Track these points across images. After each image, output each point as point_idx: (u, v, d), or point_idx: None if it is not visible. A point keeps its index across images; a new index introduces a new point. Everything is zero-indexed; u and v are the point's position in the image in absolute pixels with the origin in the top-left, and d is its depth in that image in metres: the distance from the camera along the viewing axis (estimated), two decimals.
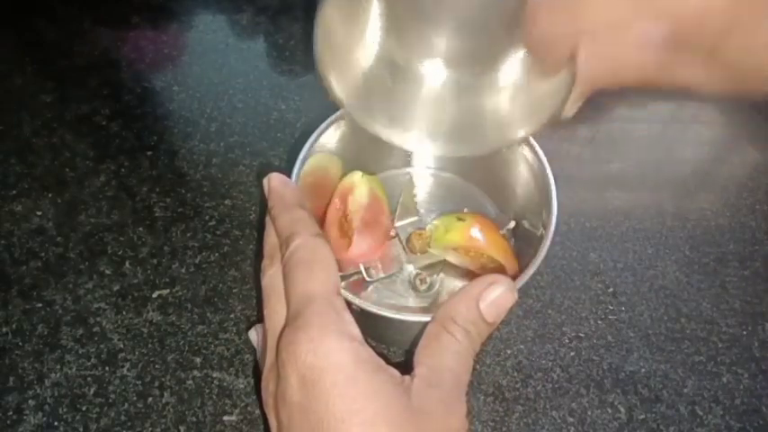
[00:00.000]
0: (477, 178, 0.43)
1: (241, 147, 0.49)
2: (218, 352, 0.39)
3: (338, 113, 0.35)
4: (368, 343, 0.24)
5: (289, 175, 0.32)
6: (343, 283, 0.35)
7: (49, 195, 0.46)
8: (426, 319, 0.26)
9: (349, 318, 0.24)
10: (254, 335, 0.31)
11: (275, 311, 0.26)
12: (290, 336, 0.23)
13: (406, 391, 0.23)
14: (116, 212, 0.45)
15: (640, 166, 0.50)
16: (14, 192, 0.46)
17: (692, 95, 0.54)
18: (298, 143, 0.35)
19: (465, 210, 0.40)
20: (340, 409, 0.21)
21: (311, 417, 0.22)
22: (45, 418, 0.36)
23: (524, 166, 0.36)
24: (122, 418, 0.36)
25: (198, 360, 0.39)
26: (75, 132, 0.50)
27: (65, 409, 0.37)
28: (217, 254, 0.43)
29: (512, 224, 0.39)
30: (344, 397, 0.21)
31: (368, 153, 0.41)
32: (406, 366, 0.24)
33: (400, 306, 0.38)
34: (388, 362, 0.23)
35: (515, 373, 0.39)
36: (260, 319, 0.28)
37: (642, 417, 0.38)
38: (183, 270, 0.42)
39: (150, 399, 0.37)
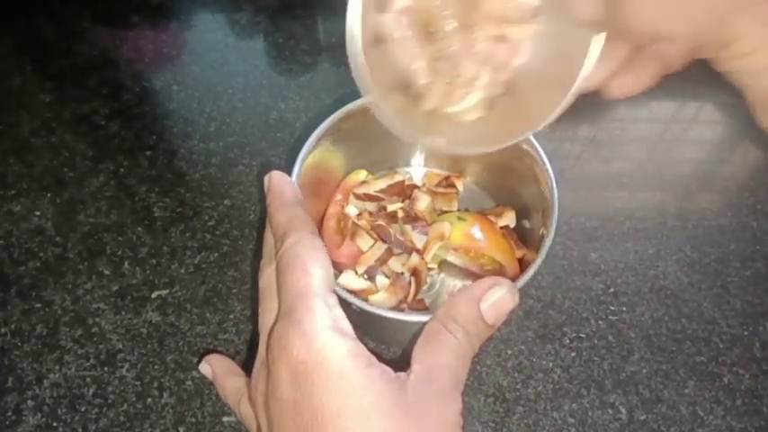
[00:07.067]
0: (478, 178, 0.42)
1: (240, 146, 0.49)
2: (217, 352, 0.39)
3: (338, 113, 0.35)
4: (366, 342, 0.23)
5: (290, 174, 0.31)
6: (342, 283, 0.35)
7: (48, 195, 0.46)
8: (425, 318, 0.26)
9: (341, 314, 0.24)
10: (205, 367, 0.30)
11: (269, 310, 0.25)
12: (281, 331, 0.23)
13: (402, 386, 0.22)
14: (115, 212, 0.45)
15: (641, 166, 0.50)
16: (13, 192, 0.46)
17: (691, 95, 0.54)
18: (297, 143, 0.34)
19: (465, 209, 0.40)
20: (334, 403, 0.21)
21: (304, 412, 0.21)
22: (44, 419, 0.36)
23: (525, 165, 0.36)
24: (121, 418, 0.36)
25: (197, 361, 0.38)
26: (74, 132, 0.49)
27: (64, 410, 0.37)
28: (216, 254, 0.43)
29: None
30: (339, 391, 0.21)
31: (368, 152, 0.41)
32: (399, 364, 0.24)
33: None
34: (382, 360, 0.23)
35: (516, 374, 0.39)
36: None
37: (643, 417, 0.37)
38: (183, 270, 0.42)
39: (149, 399, 0.37)
